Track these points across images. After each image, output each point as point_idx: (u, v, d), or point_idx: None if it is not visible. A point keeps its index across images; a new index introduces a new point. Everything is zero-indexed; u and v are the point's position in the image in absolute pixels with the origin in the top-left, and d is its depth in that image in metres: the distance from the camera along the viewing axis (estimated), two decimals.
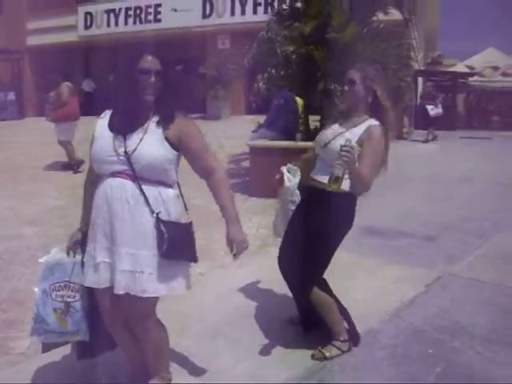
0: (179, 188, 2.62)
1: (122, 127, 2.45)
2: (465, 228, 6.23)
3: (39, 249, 5.20)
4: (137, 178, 2.41)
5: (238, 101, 18.21)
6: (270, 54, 8.22)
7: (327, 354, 3.19)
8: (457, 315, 3.81)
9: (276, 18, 8.65)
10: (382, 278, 4.58)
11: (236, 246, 2.53)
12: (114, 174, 2.43)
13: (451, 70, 26.11)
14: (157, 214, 2.41)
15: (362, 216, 6.73)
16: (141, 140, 2.40)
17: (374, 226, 6.31)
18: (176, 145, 2.47)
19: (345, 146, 2.81)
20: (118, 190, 2.42)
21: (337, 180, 2.82)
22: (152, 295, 2.45)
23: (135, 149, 2.39)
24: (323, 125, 7.43)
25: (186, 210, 2.63)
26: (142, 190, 2.41)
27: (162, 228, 2.40)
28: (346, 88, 3.14)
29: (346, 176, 2.89)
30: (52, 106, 9.63)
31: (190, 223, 2.55)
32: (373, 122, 3.08)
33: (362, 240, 5.79)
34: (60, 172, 9.52)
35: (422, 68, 25.64)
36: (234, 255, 2.55)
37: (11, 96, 21.52)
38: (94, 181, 2.56)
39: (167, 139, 2.44)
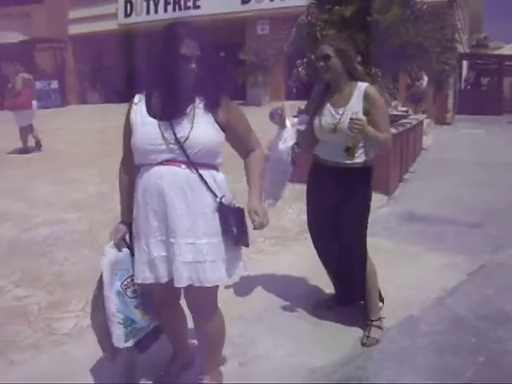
0: None
1: (167, 113, 2.33)
2: (510, 215, 6.07)
3: (82, 233, 5.34)
4: (192, 164, 2.32)
5: (278, 87, 18.10)
6: (310, 38, 8.12)
7: (377, 336, 3.21)
8: (501, 304, 3.72)
9: (316, 1, 8.51)
10: (424, 265, 4.51)
11: (260, 216, 2.42)
12: (163, 163, 2.32)
13: (497, 52, 25.38)
14: (220, 198, 2.36)
15: (403, 202, 6.62)
16: (192, 126, 2.31)
17: (416, 212, 6.22)
18: (224, 127, 2.41)
19: (353, 118, 2.97)
20: (171, 178, 2.31)
21: (348, 150, 3.08)
22: (215, 284, 2.40)
23: (188, 135, 2.29)
24: None
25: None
26: (200, 176, 2.34)
27: (228, 213, 2.36)
28: (322, 64, 3.15)
29: (361, 145, 3.12)
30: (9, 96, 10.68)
31: (242, 207, 2.47)
32: (362, 85, 3.15)
33: (403, 226, 5.71)
34: (102, 158, 9.70)
35: (467, 51, 24.98)
36: (255, 226, 2.43)
37: (54, 84, 22.02)
38: (129, 171, 2.50)
39: (217, 122, 2.38)
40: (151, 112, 2.36)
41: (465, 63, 23.68)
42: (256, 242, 5.04)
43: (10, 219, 5.90)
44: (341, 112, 3.13)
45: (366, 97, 3.09)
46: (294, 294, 3.89)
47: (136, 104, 2.43)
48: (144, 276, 2.41)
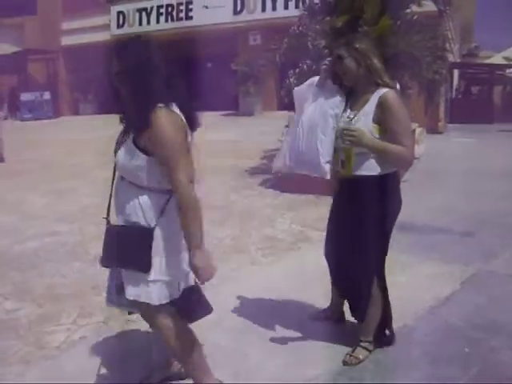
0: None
1: (122, 132, 2.50)
2: (502, 223, 6.08)
3: (74, 246, 5.30)
4: (129, 182, 2.43)
5: (270, 97, 18.16)
6: (302, 49, 8.16)
7: (360, 357, 3.10)
8: (494, 313, 3.71)
9: (307, 12, 8.57)
10: (417, 274, 4.50)
11: (200, 273, 2.30)
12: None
13: (488, 61, 25.60)
14: (123, 222, 2.45)
15: None
16: (120, 147, 2.44)
17: (409, 221, 6.18)
18: (147, 150, 2.32)
19: (345, 129, 2.82)
20: (117, 192, 2.51)
21: (343, 164, 2.91)
22: (131, 297, 2.44)
23: (116, 155, 2.45)
24: None
25: (162, 214, 2.37)
26: (127, 194, 2.43)
27: (124, 236, 2.41)
28: (336, 66, 2.98)
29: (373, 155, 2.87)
30: None
31: (150, 229, 2.34)
32: (382, 90, 2.89)
33: (396, 235, 5.67)
34: (95, 169, 9.66)
35: (458, 60, 25.16)
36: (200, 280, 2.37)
37: (47, 95, 22.01)
38: None
39: (137, 146, 2.33)
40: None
41: (456, 72, 23.83)
42: (249, 253, 5.03)
43: (1, 231, 5.86)
44: (352, 116, 2.95)
45: (382, 103, 2.84)
46: (287, 304, 3.87)
47: None
48: None
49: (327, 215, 3.37)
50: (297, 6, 15.24)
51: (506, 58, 25.30)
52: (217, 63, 19.57)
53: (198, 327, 2.65)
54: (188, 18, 19.80)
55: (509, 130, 16.60)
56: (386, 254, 3.19)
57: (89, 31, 21.06)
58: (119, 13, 21.32)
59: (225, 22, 18.69)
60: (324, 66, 3.07)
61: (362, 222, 3.02)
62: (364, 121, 2.88)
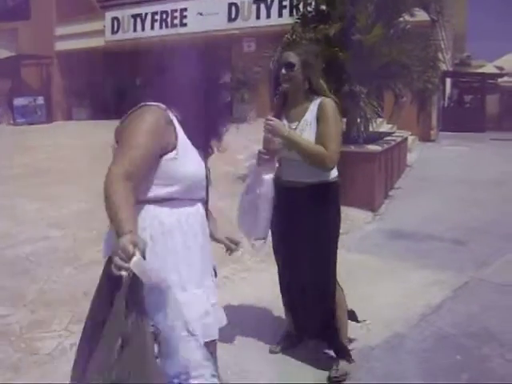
0: None
1: (202, 145, 2.11)
2: (494, 232, 6.12)
3: (66, 251, 5.28)
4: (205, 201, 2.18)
5: (264, 104, 18.09)
6: None
7: (347, 369, 3.05)
8: (485, 321, 3.73)
9: (301, 20, 8.61)
10: (409, 281, 4.52)
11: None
12: (201, 200, 2.12)
13: (480, 70, 25.80)
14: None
15: (389, 218, 6.63)
16: (206, 163, 2.15)
17: (401, 229, 6.25)
18: None
19: (267, 118, 2.88)
20: (204, 217, 2.16)
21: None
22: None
23: (207, 173, 2.13)
24: (349, 126, 7.38)
25: None
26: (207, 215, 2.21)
27: None
28: (284, 71, 2.97)
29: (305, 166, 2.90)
30: None
31: None
32: (320, 98, 2.98)
33: (389, 243, 5.74)
34: (88, 175, 9.64)
35: (451, 69, 25.34)
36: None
37: (40, 100, 21.95)
38: (135, 190, 1.84)
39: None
40: (192, 141, 2.03)
41: (448, 81, 24.00)
42: (242, 260, 5.02)
43: None
44: (294, 127, 2.96)
45: (320, 107, 2.92)
46: (280, 312, 3.85)
47: (174, 121, 1.99)
48: (211, 330, 2.14)
49: None
50: (291, 14, 15.30)
51: (497, 67, 25.53)
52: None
53: None
54: (182, 24, 19.82)
55: (501, 139, 16.72)
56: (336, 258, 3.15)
57: (83, 37, 21.04)
58: (114, 19, 21.31)
59: (219, 29, 18.73)
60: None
61: (311, 229, 3.01)
62: (309, 130, 2.92)
